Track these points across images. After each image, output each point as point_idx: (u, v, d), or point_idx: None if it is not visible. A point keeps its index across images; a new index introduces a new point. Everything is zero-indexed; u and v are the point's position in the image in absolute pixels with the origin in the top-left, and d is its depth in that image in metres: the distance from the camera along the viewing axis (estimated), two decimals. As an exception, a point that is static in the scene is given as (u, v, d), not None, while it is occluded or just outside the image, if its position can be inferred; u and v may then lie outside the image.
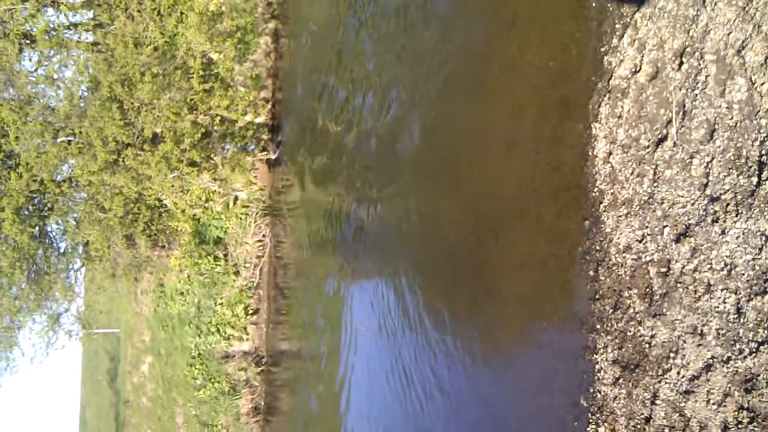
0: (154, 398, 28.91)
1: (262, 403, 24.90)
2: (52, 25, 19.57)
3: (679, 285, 8.30)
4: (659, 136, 8.76)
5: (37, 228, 21.11)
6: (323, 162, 20.89)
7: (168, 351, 27.20)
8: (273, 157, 22.92)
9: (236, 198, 23.32)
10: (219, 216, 23.70)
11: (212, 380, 24.71)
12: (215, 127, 20.45)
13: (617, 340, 9.07)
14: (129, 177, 19.19)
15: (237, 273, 24.26)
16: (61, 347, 23.79)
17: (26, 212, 20.70)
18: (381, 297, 16.61)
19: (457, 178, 13.18)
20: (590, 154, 9.76)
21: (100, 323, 36.25)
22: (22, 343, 22.97)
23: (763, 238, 7.47)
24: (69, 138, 19.86)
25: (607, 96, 9.55)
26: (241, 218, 23.55)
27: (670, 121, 8.62)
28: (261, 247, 23.95)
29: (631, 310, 8.91)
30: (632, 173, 9.07)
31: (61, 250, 23.23)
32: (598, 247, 9.53)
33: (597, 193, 9.64)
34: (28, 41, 19.30)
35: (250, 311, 24.46)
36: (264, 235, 23.86)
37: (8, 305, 21.36)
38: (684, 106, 8.42)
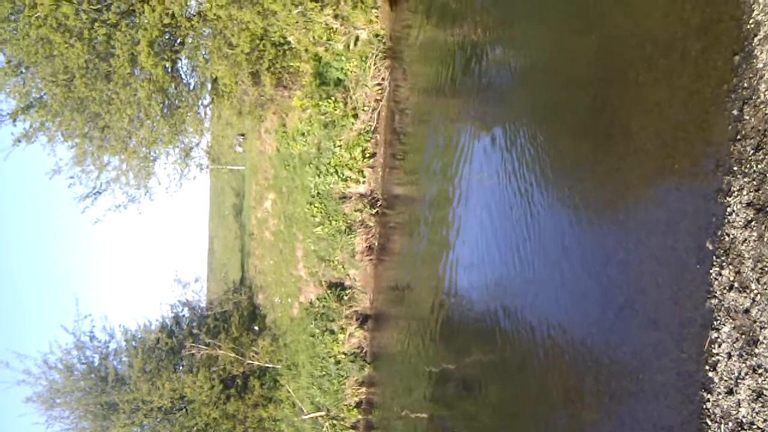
0: (276, 232, 30.82)
1: (376, 243, 26.03)
2: None
3: (836, 124, 7.66)
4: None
5: (169, 62, 22.01)
6: (447, 2, 20.11)
7: (289, 189, 28.55)
8: (395, -5, 22.31)
9: (357, 38, 23.11)
10: (339, 57, 23.69)
11: (330, 219, 25.90)
12: (339, -39, 20.02)
13: (755, 182, 8.61)
14: (255, 12, 19.39)
15: (356, 116, 24.55)
16: (192, 178, 25.45)
17: (159, 46, 21.52)
18: (500, 144, 16.33)
19: (598, 11, 12.36)
20: (749, -20, 8.82)
21: (227, 159, 38.30)
22: (159, 173, 24.65)
23: None
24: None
25: None
26: (361, 59, 23.44)
27: None
28: (380, 91, 23.96)
29: (776, 151, 8.37)
30: (798, 0, 8.16)
31: (191, 87, 24.27)
32: (746, 85, 8.84)
33: (752, 25, 8.80)
34: None
35: (367, 154, 24.95)
36: (383, 79, 23.77)
37: (146, 134, 22.86)
38: None
